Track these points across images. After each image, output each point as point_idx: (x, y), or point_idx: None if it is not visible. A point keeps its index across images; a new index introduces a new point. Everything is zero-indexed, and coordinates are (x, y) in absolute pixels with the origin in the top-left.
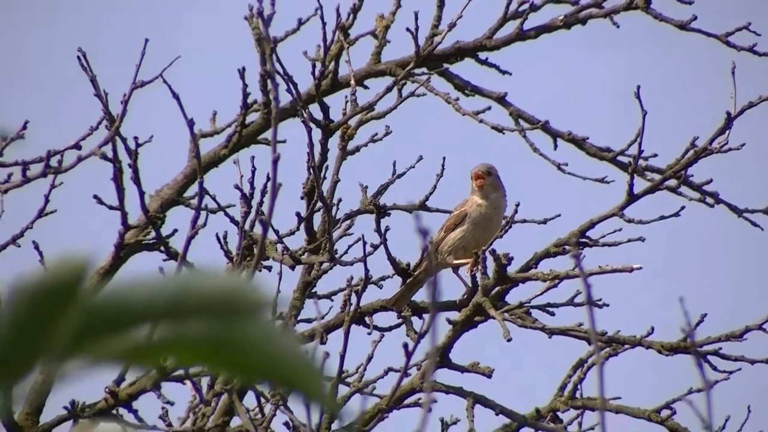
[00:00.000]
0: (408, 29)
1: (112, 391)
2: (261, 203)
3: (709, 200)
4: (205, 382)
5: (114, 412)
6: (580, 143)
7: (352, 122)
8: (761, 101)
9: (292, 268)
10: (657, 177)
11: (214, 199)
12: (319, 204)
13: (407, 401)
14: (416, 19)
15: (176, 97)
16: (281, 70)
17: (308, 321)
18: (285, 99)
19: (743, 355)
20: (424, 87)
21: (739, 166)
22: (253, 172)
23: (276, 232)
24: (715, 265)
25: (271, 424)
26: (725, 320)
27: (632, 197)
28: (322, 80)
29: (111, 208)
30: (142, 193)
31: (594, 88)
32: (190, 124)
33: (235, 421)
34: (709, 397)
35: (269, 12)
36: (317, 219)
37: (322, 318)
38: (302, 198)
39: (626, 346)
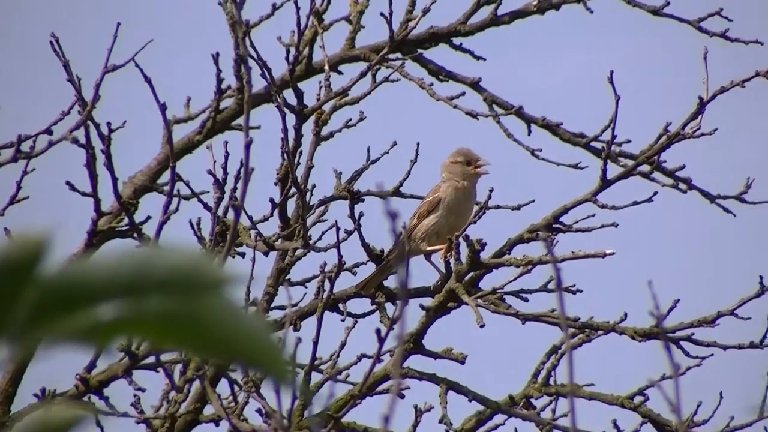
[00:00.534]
0: (382, 14)
1: (83, 378)
2: (234, 189)
3: (682, 186)
4: (177, 369)
5: (85, 398)
6: (553, 129)
7: (326, 108)
8: (733, 86)
9: (266, 254)
10: (630, 163)
11: (187, 185)
12: (293, 190)
13: (380, 388)
14: (390, 4)
15: (148, 81)
16: (255, 55)
17: (282, 308)
18: (259, 84)
19: (716, 341)
20: (399, 72)
21: (712, 152)
22: (227, 158)
23: (250, 218)
24: (688, 251)
25: (244, 411)
26: (698, 306)
27: (605, 183)
28: (296, 65)
29: (84, 194)
30: (115, 180)
31: (568, 75)
32: (163, 108)
33: (209, 409)
34: (677, 383)
35: None
36: (291, 205)
37: (295, 305)
38: (276, 184)
39: (599, 332)
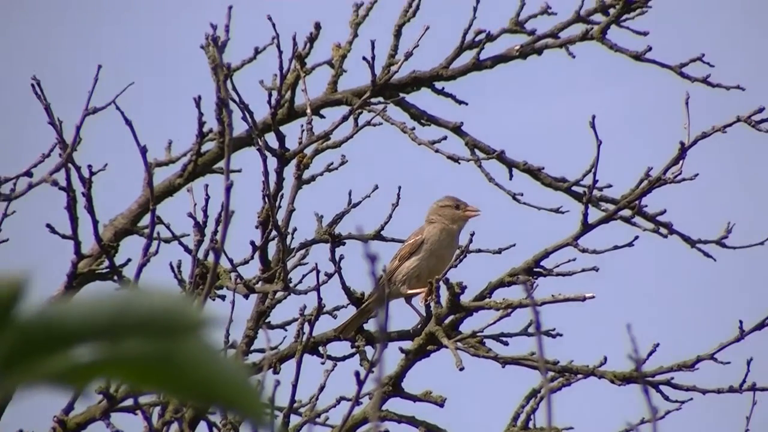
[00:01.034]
0: (364, 58)
1: (61, 420)
2: (215, 232)
3: (663, 230)
4: (156, 411)
5: None
6: (535, 173)
7: (308, 151)
8: (714, 131)
9: (246, 296)
10: (611, 207)
11: (168, 227)
12: (274, 233)
13: (359, 431)
14: (372, 48)
15: (129, 123)
16: (237, 98)
17: (262, 351)
18: (241, 128)
19: (695, 385)
20: (381, 116)
21: (693, 197)
22: (207, 201)
23: (230, 260)
24: (669, 295)
25: None
26: (678, 350)
27: (586, 227)
28: (278, 109)
29: (64, 237)
30: (95, 222)
31: (550, 119)
32: (143, 151)
33: None
34: (655, 427)
35: (224, 39)
36: (272, 248)
37: (274, 348)
38: (257, 227)
39: (579, 375)
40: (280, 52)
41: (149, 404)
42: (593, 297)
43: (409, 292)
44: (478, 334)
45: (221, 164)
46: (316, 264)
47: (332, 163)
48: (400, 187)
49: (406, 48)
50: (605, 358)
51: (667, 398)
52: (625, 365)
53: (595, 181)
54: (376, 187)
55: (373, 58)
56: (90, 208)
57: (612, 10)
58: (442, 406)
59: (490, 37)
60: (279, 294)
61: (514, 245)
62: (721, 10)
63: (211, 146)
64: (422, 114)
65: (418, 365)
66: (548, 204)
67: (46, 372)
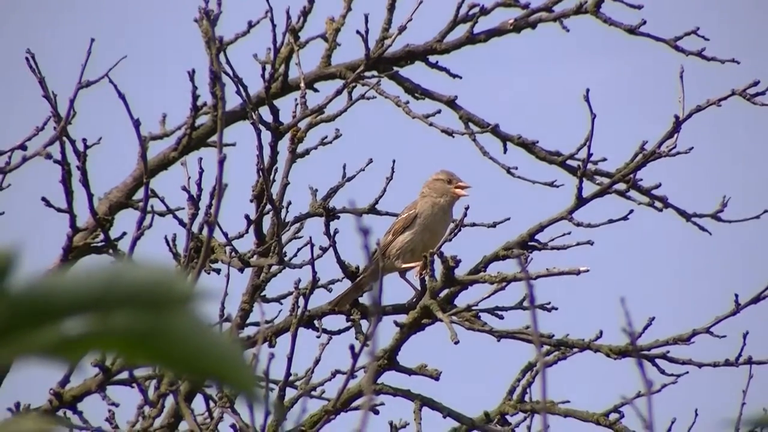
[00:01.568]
0: (358, 32)
1: (57, 393)
2: (210, 205)
3: (658, 204)
4: (152, 384)
5: (59, 413)
6: (529, 147)
7: (302, 125)
8: (709, 105)
9: (241, 270)
10: (606, 181)
11: (162, 201)
12: (269, 207)
13: (355, 404)
14: (366, 22)
15: (122, 97)
16: (230, 72)
17: (257, 324)
18: (235, 101)
19: (691, 359)
20: (375, 90)
21: (689, 171)
22: (201, 174)
23: (225, 234)
24: (664, 269)
25: (219, 426)
26: (674, 323)
27: (581, 201)
28: (272, 83)
29: (59, 210)
30: (90, 196)
31: (545, 93)
32: (136, 124)
33: (185, 425)
34: (650, 400)
35: (216, 12)
36: (267, 222)
37: (270, 321)
38: (252, 201)
39: (575, 349)
40: (274, 26)
41: (145, 377)
42: (588, 271)
43: (404, 266)
44: (473, 307)
45: (216, 138)
46: (311, 238)
47: (326, 137)
48: (394, 161)
49: (400, 22)
50: (601, 332)
51: (663, 372)
52: (620, 339)
53: (590, 155)
54: (371, 161)
55: (367, 31)
56: (85, 182)
57: None
58: (437, 379)
59: (484, 11)
60: (274, 268)
61: (509, 219)
62: None
63: (205, 120)
64: (416, 88)
65: (413, 339)
66: (543, 178)
67: (37, 345)
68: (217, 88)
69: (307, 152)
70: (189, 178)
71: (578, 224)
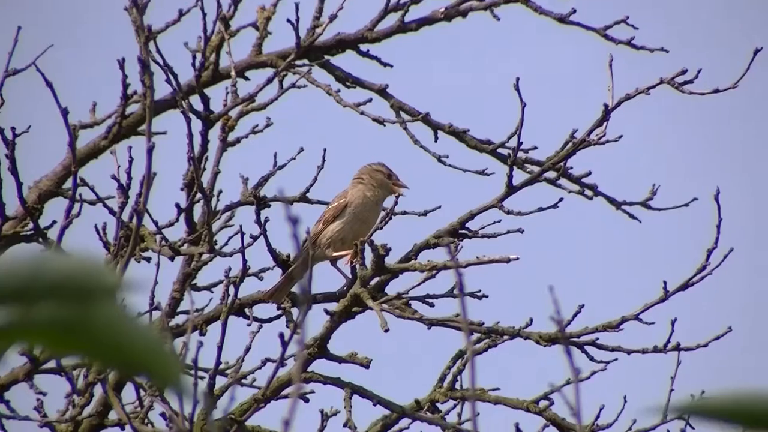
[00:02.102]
0: (289, 20)
1: None
2: (139, 194)
3: (588, 192)
4: (81, 372)
5: None
6: (460, 135)
7: (233, 113)
8: (638, 93)
9: (171, 259)
10: (536, 169)
11: (92, 189)
12: (199, 195)
13: (285, 392)
14: (297, 10)
15: (50, 85)
16: (161, 61)
17: (188, 313)
18: (166, 90)
19: (620, 346)
20: (306, 78)
21: (618, 159)
22: (131, 163)
23: (155, 223)
24: (594, 257)
25: (150, 415)
26: (603, 311)
27: (511, 189)
28: (202, 71)
29: None
30: (20, 184)
31: (477, 83)
32: (64, 113)
33: (115, 414)
34: (577, 387)
35: (145, 0)
36: (197, 210)
37: (199, 310)
38: (182, 189)
39: (505, 337)
40: (204, 15)
41: (73, 366)
42: (518, 259)
43: (335, 254)
44: (404, 295)
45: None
46: (241, 226)
47: (257, 126)
48: (325, 150)
49: (331, 10)
50: (531, 320)
51: (592, 359)
52: (550, 327)
53: (520, 143)
54: (302, 150)
55: (298, 20)
56: (14, 170)
57: None
58: (367, 367)
59: (415, 0)
60: (205, 256)
61: (440, 207)
62: None
63: (136, 108)
64: (347, 76)
65: (344, 327)
66: (474, 166)
67: None
68: (147, 77)
69: (238, 141)
70: (119, 166)
71: (508, 212)
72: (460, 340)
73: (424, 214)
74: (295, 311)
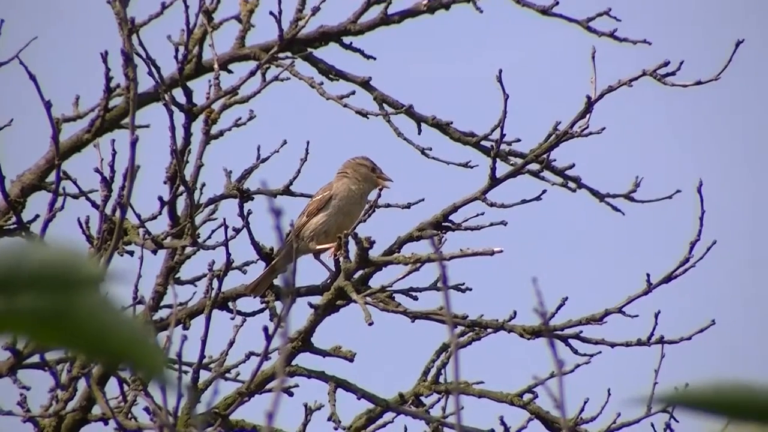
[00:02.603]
0: (272, 13)
1: None
2: (123, 187)
3: (572, 185)
4: (65, 367)
5: None
6: (444, 128)
7: (216, 106)
8: (620, 85)
9: (155, 252)
10: (520, 161)
11: (75, 183)
12: (182, 188)
13: (269, 386)
14: (279, 2)
15: (33, 78)
16: (143, 53)
17: (171, 306)
18: (149, 83)
19: (603, 338)
20: (289, 71)
21: (602, 151)
22: (114, 156)
23: (138, 216)
24: (577, 249)
25: (134, 409)
26: (587, 303)
27: (494, 181)
28: (185, 64)
29: None
30: (2, 178)
31: (460, 75)
32: (47, 106)
33: (99, 408)
34: (561, 380)
35: None
36: (181, 203)
37: (183, 303)
38: (165, 182)
39: (489, 330)
40: (187, 7)
41: (57, 360)
42: (501, 251)
43: (318, 247)
44: (388, 288)
45: (129, 119)
46: (225, 219)
47: (240, 119)
48: (308, 142)
49: (314, 3)
50: (515, 313)
51: (576, 352)
52: (534, 320)
53: (503, 135)
54: (285, 142)
55: (280, 12)
56: None
57: None
58: (351, 361)
59: None
60: (188, 249)
61: (423, 200)
62: None
63: (119, 101)
64: (330, 69)
65: (328, 320)
66: (457, 159)
67: None
68: (130, 70)
69: (221, 134)
70: (102, 160)
71: (492, 205)
72: (444, 334)
73: (408, 206)
74: (278, 305)
